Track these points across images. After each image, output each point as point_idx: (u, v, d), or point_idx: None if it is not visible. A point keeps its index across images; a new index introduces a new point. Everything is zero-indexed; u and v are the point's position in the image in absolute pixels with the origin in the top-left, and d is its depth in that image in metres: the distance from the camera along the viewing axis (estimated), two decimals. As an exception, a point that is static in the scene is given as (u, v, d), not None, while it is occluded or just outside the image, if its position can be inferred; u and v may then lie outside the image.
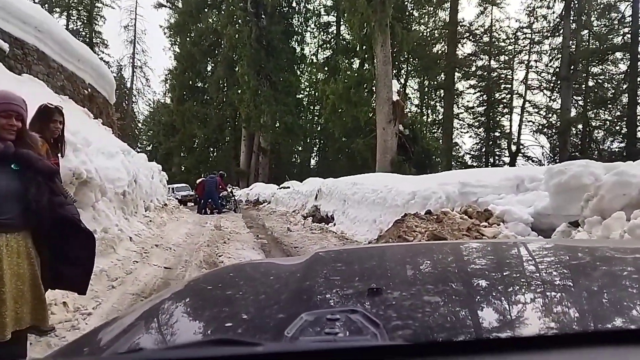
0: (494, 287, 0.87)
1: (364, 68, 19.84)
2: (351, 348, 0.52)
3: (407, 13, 25.90)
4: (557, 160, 30.41)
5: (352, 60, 24.96)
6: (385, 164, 18.60)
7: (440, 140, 28.31)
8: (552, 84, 32.48)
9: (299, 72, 36.90)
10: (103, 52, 46.16)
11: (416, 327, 0.62)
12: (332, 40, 39.69)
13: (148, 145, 55.92)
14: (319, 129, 41.10)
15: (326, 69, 38.80)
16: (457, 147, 34.23)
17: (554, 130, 31.99)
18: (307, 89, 40.95)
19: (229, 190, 17.92)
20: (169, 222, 8.47)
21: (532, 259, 1.15)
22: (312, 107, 41.38)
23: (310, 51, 39.78)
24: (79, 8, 44.71)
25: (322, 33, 40.36)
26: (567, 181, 4.69)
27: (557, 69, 30.38)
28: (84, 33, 44.41)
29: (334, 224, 10.16)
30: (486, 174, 6.39)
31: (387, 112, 18.47)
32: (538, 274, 0.97)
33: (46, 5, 41.73)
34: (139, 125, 55.49)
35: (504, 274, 1.00)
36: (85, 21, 44.80)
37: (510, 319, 0.67)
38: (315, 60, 39.84)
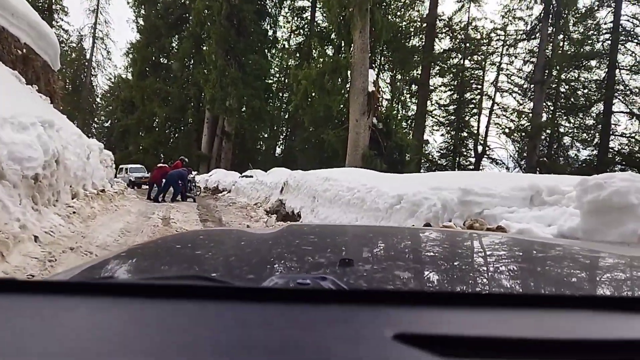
0: (457, 266, 0.93)
1: (340, 55, 18.61)
2: (317, 290, 0.55)
3: (385, 2, 24.78)
4: (524, 165, 30.41)
5: (327, 46, 23.65)
6: (356, 158, 17.60)
7: (410, 136, 27.61)
8: (523, 88, 32.42)
9: (269, 56, 35.30)
10: (62, 20, 43.30)
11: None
12: (306, 26, 38.34)
13: (106, 121, 53.22)
14: (286, 116, 39.81)
15: (298, 55, 37.53)
16: (427, 145, 33.68)
17: (522, 134, 31.97)
18: (277, 75, 39.47)
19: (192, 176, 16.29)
20: (104, 212, 7.02)
21: (485, 245, 1.28)
22: (280, 94, 39.97)
23: (282, 36, 38.25)
24: (40, -28, 41.38)
25: (295, 18, 38.92)
26: (607, 198, 3.69)
27: (532, 72, 30.17)
28: (42, -1, 41.36)
29: (301, 223, 8.99)
30: (491, 180, 5.34)
31: (361, 102, 17.40)
32: (488, 255, 1.11)
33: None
34: (97, 99, 52.71)
35: (464, 255, 1.11)
36: (46, -14, 41.60)
37: (461, 287, 0.77)
38: (286, 46, 38.43)
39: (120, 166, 29.89)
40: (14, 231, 3.86)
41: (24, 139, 4.63)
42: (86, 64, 48.92)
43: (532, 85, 30.38)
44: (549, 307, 0.55)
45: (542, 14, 29.11)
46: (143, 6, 39.17)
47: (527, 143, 30.39)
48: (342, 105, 19.81)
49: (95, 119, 54.44)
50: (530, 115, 29.91)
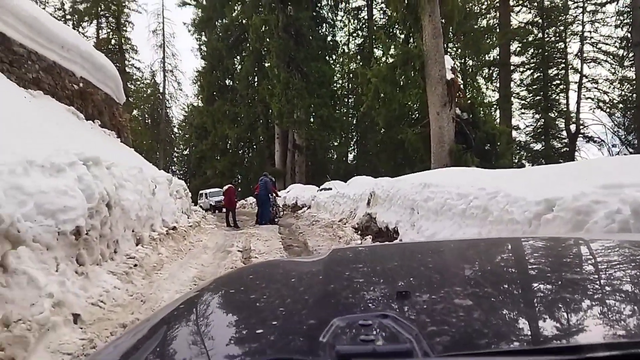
0: (538, 289, 0.80)
1: (410, 44, 16.91)
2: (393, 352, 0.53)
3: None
4: (635, 141, 26.60)
5: (392, 41, 21.96)
6: (442, 155, 15.76)
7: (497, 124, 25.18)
8: (617, 55, 28.60)
9: (331, 61, 34.25)
10: (133, 58, 45.55)
11: (453, 332, 0.61)
12: (364, 26, 37.04)
13: (185, 149, 55.34)
14: (354, 121, 38.61)
15: (359, 57, 36.17)
16: (517, 131, 30.76)
17: (626, 105, 28.12)
18: (339, 81, 38.42)
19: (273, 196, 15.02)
20: (174, 257, 5.91)
21: (588, 258, 1.05)
22: (345, 100, 38.89)
23: (340, 40, 37.10)
24: (107, 15, 43.94)
25: (352, 20, 37.74)
26: None
27: (628, 35, 26.45)
28: (113, 41, 43.78)
29: (401, 241, 7.50)
30: None
31: (440, 93, 15.59)
32: (596, 275, 0.90)
33: (75, 15, 41.23)
34: (175, 129, 54.96)
35: (552, 274, 0.92)
36: (114, 28, 44.10)
37: (557, 326, 0.62)
38: (346, 50, 37.33)
39: (200, 192, 30.20)
40: (40, 316, 2.80)
41: (56, 184, 3.65)
42: (160, 97, 50.98)
43: (629, 49, 26.69)
44: None
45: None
46: (204, 33, 39.90)
47: (633, 114, 26.62)
48: (418, 100, 18.17)
49: (175, 148, 56.86)
50: (634, 82, 26.13)
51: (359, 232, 9.65)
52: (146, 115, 51.85)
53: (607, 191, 3.80)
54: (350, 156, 41.81)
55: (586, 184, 4.18)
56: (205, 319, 0.85)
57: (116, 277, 4.07)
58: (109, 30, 44.23)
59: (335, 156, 40.62)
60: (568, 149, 31.34)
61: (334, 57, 34.98)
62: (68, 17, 41.15)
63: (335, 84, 35.57)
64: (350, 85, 39.61)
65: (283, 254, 7.45)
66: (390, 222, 8.38)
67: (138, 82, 48.47)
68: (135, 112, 46.74)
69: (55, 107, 7.42)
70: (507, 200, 5.03)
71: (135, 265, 4.60)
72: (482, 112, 16.75)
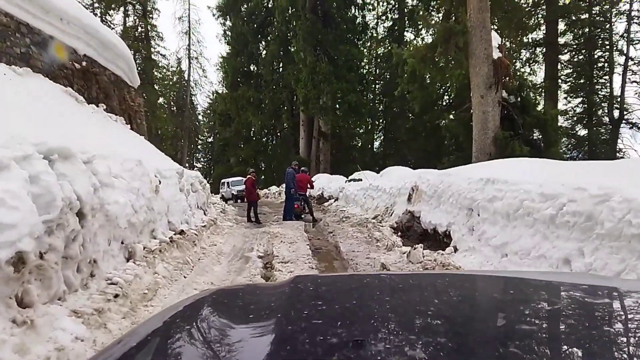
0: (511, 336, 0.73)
1: (451, 19, 15.24)
2: None
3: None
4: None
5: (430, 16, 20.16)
6: (486, 143, 14.18)
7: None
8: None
9: (360, 44, 32.57)
10: (159, 45, 44.95)
11: None
12: (394, 8, 35.19)
13: (209, 137, 54.88)
14: (381, 107, 36.93)
15: (388, 41, 34.31)
16: (564, 116, 28.71)
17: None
18: (367, 66, 36.72)
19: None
20: (175, 275, 4.55)
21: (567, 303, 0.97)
22: (373, 86, 37.23)
23: (369, 23, 35.31)
24: (134, 3, 43.28)
25: (382, 2, 35.86)
26: None
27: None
28: (139, 29, 43.25)
29: (455, 251, 6.13)
30: None
31: (486, 74, 13.96)
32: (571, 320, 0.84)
33: (103, 3, 40.72)
34: (200, 117, 54.50)
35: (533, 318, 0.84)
36: (140, 15, 43.48)
37: None
38: (374, 34, 35.58)
39: (222, 180, 29.26)
40: None
41: (-13, 190, 2.47)
42: (185, 84, 50.34)
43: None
44: None
45: None
46: (228, 17, 38.69)
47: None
48: (456, 83, 16.52)
49: (200, 136, 56.47)
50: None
51: (399, 233, 8.31)
52: (172, 103, 51.37)
53: None
54: (376, 144, 40.31)
55: None
56: None
57: (81, 321, 2.85)
58: (135, 17, 43.63)
59: (360, 144, 39.14)
60: (609, 136, 29.41)
61: (364, 38, 33.27)
62: (96, 5, 40.70)
63: (362, 69, 33.91)
64: (377, 70, 37.92)
65: (311, 262, 6.19)
66: (440, 224, 7.01)
67: (164, 70, 47.96)
68: (161, 99, 46.31)
69: (47, 87, 6.28)
70: (628, 207, 3.60)
71: (117, 295, 3.34)
72: (534, 96, 15.00)
